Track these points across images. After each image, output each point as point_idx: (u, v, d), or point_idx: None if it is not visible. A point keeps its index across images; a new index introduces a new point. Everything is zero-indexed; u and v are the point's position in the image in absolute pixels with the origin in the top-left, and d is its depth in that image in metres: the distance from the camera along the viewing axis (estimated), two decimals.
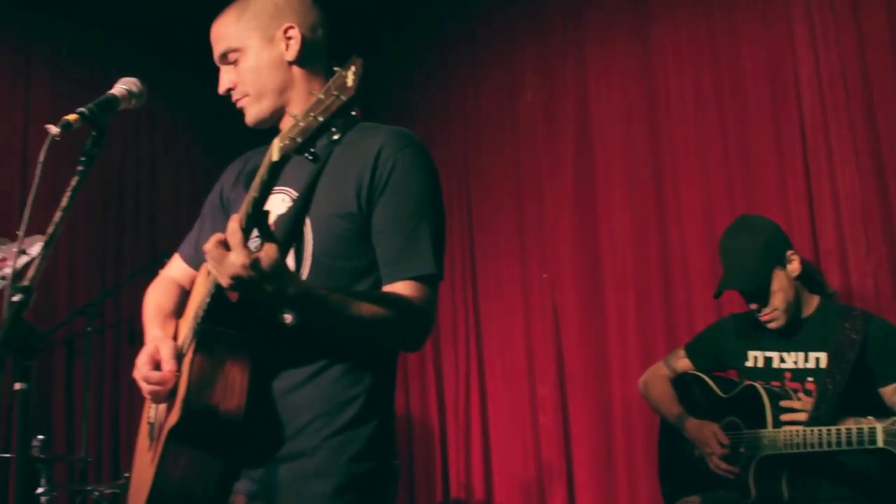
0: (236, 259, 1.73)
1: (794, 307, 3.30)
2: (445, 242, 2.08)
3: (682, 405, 3.53)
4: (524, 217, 5.35)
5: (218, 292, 1.90)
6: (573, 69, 5.14)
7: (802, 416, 3.10)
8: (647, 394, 3.71)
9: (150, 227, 6.25)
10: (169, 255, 2.49)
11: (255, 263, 1.73)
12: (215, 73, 2.22)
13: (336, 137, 1.68)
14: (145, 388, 2.03)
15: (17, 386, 1.62)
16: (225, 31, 2.16)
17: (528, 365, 5.21)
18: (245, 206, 1.78)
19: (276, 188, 1.90)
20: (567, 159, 5.10)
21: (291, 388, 2.00)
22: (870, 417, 2.98)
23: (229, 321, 1.96)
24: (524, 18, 5.52)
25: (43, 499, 4.18)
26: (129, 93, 2.08)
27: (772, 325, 3.31)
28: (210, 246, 1.76)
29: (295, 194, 2.06)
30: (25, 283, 1.67)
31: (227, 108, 2.23)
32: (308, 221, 2.02)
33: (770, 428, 3.14)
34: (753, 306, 3.34)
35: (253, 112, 2.15)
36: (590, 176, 4.98)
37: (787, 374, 3.31)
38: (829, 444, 2.99)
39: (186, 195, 6.36)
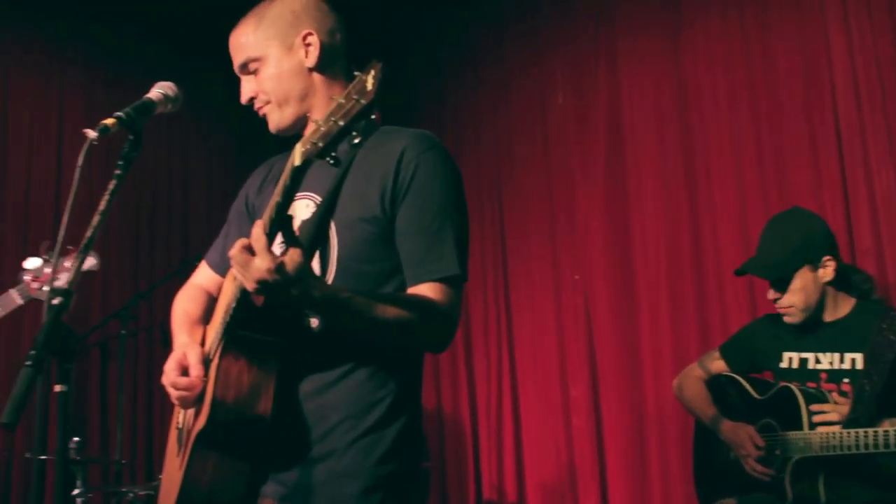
0: (261, 263, 1.73)
1: (813, 309, 3.29)
2: (469, 244, 2.09)
3: (717, 407, 3.50)
4: (555, 218, 5.33)
5: (244, 297, 1.92)
6: (604, 70, 5.12)
7: (834, 417, 3.07)
8: (682, 395, 3.69)
9: (182, 230, 6.30)
10: (201, 259, 2.50)
11: (280, 267, 1.72)
12: None
13: (357, 141, 1.69)
14: (173, 393, 2.05)
15: (57, 388, 1.64)
16: (244, 42, 2.16)
17: (560, 366, 5.20)
18: (269, 211, 1.78)
19: (299, 194, 1.92)
20: (598, 160, 5.08)
21: (319, 391, 2.01)
22: None
23: (255, 326, 1.97)
24: (554, 20, 5.50)
25: (79, 500, 4.23)
26: (166, 97, 2.09)
27: (787, 319, 3.32)
28: (235, 251, 1.76)
29: (318, 199, 2.06)
30: (64, 286, 1.69)
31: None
32: (333, 226, 2.03)
33: (806, 430, 3.11)
34: (772, 294, 3.31)
35: (275, 119, 2.16)
36: (621, 177, 4.95)
37: (823, 376, 3.28)
38: (867, 446, 2.95)
39: (218, 198, 6.39)
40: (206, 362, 2.04)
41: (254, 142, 5.84)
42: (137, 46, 6.21)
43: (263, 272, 1.73)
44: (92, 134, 1.83)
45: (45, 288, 3.20)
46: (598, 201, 5.06)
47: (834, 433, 3.03)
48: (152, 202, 6.26)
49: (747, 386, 3.46)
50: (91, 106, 6.04)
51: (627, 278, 4.87)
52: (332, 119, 1.64)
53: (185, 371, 2.04)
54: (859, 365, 3.18)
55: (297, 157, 1.70)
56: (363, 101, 1.62)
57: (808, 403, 3.13)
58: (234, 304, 1.94)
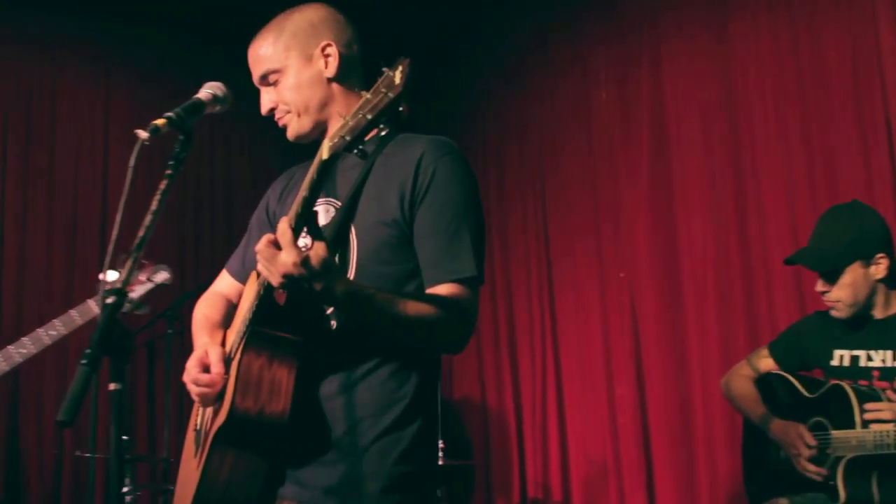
0: (287, 258, 1.76)
1: (861, 306, 3.24)
2: (485, 246, 2.12)
3: (766, 405, 3.46)
4: (600, 215, 5.31)
5: (267, 295, 1.95)
6: (648, 66, 5.08)
7: (888, 415, 3.02)
8: (730, 394, 3.65)
9: (226, 230, 6.35)
10: None
11: (305, 261, 1.76)
12: None
13: (384, 133, 1.75)
14: (194, 390, 2.09)
15: (112, 386, 1.65)
16: (263, 53, 2.21)
17: (605, 365, 5.17)
18: (295, 206, 1.82)
19: (320, 200, 1.94)
20: (643, 157, 5.05)
21: (339, 392, 2.04)
22: None
23: (277, 324, 2.00)
24: (597, 16, 5.47)
25: (127, 498, 4.29)
26: (215, 97, 2.11)
27: (833, 314, 3.28)
28: (262, 245, 1.80)
29: (338, 204, 2.10)
30: (118, 285, 1.70)
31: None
32: (353, 229, 2.06)
33: (859, 428, 3.06)
34: (820, 286, 3.27)
35: (294, 127, 2.21)
36: (666, 173, 4.91)
37: (875, 373, 3.23)
38: None
39: (262, 199, 6.43)
40: (226, 361, 2.08)
41: (295, 145, 5.91)
42: (182, 50, 6.27)
43: (289, 266, 1.76)
44: (143, 134, 1.85)
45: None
46: (643, 198, 5.02)
47: (888, 431, 2.98)
48: (197, 201, 6.32)
49: (797, 384, 3.41)
50: (136, 110, 6.12)
51: (673, 275, 4.83)
52: (360, 113, 1.69)
53: (206, 369, 2.08)
54: None
55: (324, 150, 1.75)
56: (391, 95, 1.66)
57: (860, 401, 3.08)
58: (256, 302, 1.97)
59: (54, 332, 3.22)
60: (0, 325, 5.46)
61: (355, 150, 1.73)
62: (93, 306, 3.44)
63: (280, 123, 2.23)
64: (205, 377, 2.06)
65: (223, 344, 2.24)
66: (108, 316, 1.65)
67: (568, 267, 5.52)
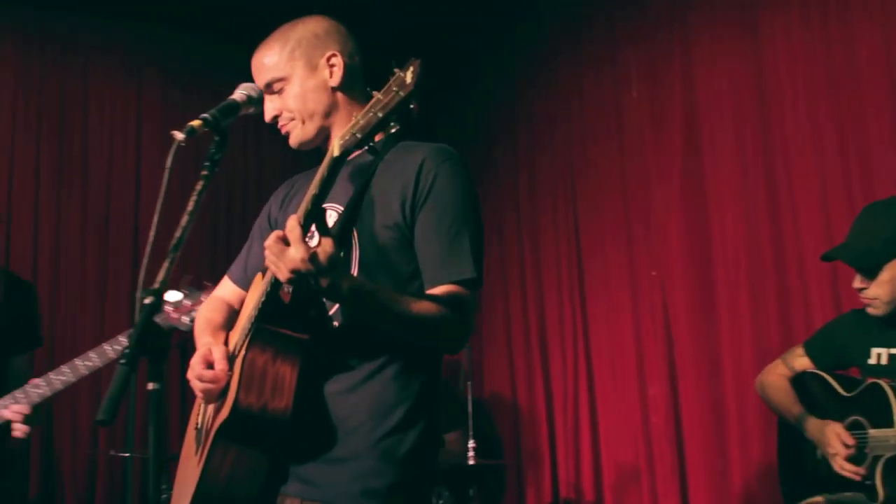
0: (296, 253, 1.80)
1: None
2: (484, 249, 2.18)
3: (802, 405, 3.42)
4: (631, 214, 5.28)
5: (273, 292, 2.00)
6: (679, 63, 5.04)
7: None
8: (765, 393, 3.62)
9: None
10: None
11: (313, 257, 1.81)
12: None
13: (394, 131, 1.79)
14: (198, 386, 2.13)
15: (150, 386, 1.66)
16: (268, 62, 2.26)
17: (637, 364, 5.14)
18: (305, 203, 1.86)
19: (323, 204, 1.96)
20: (674, 155, 5.01)
21: (345, 391, 2.09)
22: None
23: (281, 322, 2.04)
24: (627, 14, 5.44)
25: (163, 496, 4.31)
26: (249, 98, 2.14)
27: (870, 311, 3.23)
28: (271, 241, 1.84)
29: (340, 208, 2.15)
30: (155, 286, 1.71)
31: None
32: (355, 232, 2.12)
33: None
34: (858, 283, 3.23)
35: (298, 134, 2.27)
36: (698, 172, 4.87)
37: None
38: None
39: None
40: (230, 359, 2.12)
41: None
42: (214, 52, 6.30)
43: (297, 261, 1.80)
44: (179, 135, 1.87)
45: (185, 318, 3.30)
46: (675, 197, 4.99)
47: None
48: (228, 201, 6.35)
49: (833, 383, 3.38)
50: (167, 111, 6.16)
51: (706, 274, 4.79)
52: (372, 111, 1.75)
53: (210, 366, 2.13)
54: None
55: (335, 147, 1.81)
56: (402, 94, 1.72)
57: None
58: (263, 299, 2.01)
59: (90, 363, 3.27)
60: None
61: (366, 147, 1.79)
62: (123, 341, 3.47)
63: (283, 131, 2.29)
64: (209, 373, 2.10)
65: (226, 343, 2.29)
66: (146, 316, 1.67)
67: (599, 266, 5.50)
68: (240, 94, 2.14)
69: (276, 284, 1.97)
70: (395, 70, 1.75)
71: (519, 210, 6.15)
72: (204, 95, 5.69)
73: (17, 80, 5.83)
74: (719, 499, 4.66)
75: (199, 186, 1.88)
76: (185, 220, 1.82)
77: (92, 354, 3.29)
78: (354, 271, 2.10)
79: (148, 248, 1.70)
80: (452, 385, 5.87)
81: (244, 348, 2.03)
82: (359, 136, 1.77)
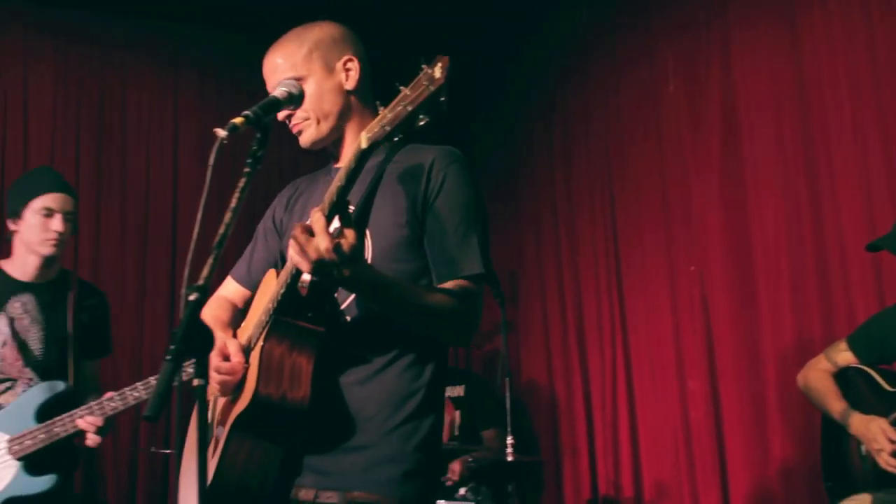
0: (321, 243, 1.84)
1: None
2: (490, 246, 2.26)
3: (846, 400, 3.38)
4: (669, 209, 5.24)
5: (293, 284, 2.05)
6: (718, 57, 4.99)
7: None
8: (807, 389, 3.58)
9: None
10: None
11: (337, 247, 1.84)
12: None
13: (422, 123, 1.81)
14: (215, 378, 2.16)
15: (196, 382, 1.68)
16: (285, 62, 2.29)
17: (676, 359, 5.10)
18: (329, 195, 1.91)
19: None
20: (713, 149, 4.96)
21: (358, 382, 2.16)
22: None
23: (299, 314, 2.10)
24: (664, 8, 5.40)
25: None
26: (290, 95, 2.16)
27: None
28: (296, 231, 1.87)
29: (352, 208, 2.18)
30: (200, 282, 1.72)
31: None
32: (368, 231, 2.19)
33: None
34: None
35: (311, 134, 2.30)
36: (738, 166, 4.82)
37: None
38: None
39: None
40: (245, 351, 2.17)
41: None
42: (249, 51, 6.32)
43: (322, 251, 1.84)
44: (221, 133, 1.88)
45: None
46: (714, 191, 4.93)
47: None
48: (265, 199, 6.36)
49: (878, 378, 3.34)
50: (204, 111, 6.21)
51: (746, 268, 4.74)
52: (401, 105, 1.79)
53: (226, 358, 2.17)
54: None
55: (363, 140, 1.86)
56: (432, 88, 1.75)
57: None
58: (283, 290, 2.05)
59: (137, 394, 3.40)
60: None
61: (396, 139, 1.83)
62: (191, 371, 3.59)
63: (295, 129, 2.31)
64: (226, 365, 2.14)
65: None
66: (191, 313, 1.67)
67: (637, 261, 5.47)
68: (280, 91, 2.16)
69: (296, 276, 2.03)
70: (423, 66, 1.78)
71: (556, 206, 6.13)
72: (240, 93, 5.74)
73: (56, 82, 5.91)
74: (761, 495, 4.61)
75: (241, 183, 1.89)
76: (228, 216, 1.83)
77: None
78: None
79: (192, 245, 1.71)
80: (490, 382, 5.87)
81: (261, 339, 2.08)
82: (388, 128, 1.81)
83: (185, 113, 6.24)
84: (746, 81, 4.82)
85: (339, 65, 2.29)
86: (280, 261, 2.45)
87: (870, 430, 3.20)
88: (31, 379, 3.56)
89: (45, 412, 3.46)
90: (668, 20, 5.37)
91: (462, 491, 4.85)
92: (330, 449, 2.13)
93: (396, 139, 1.83)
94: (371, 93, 2.35)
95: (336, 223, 1.92)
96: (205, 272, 1.75)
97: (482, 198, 2.27)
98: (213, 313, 2.46)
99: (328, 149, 2.38)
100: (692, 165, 5.11)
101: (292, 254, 1.89)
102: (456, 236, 2.17)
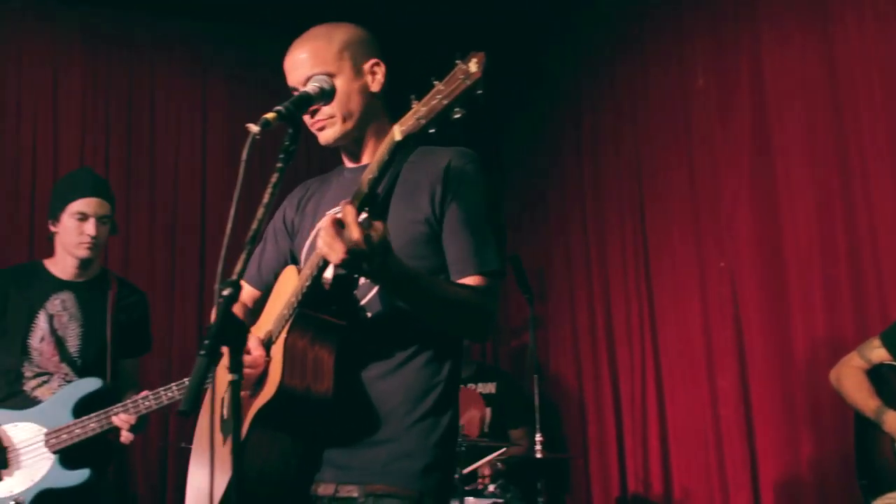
0: (352, 234, 1.85)
1: None
2: (506, 244, 2.33)
3: (880, 398, 3.35)
4: (699, 206, 5.20)
5: (318, 278, 2.06)
6: (747, 52, 4.95)
7: None
8: (840, 386, 3.55)
9: None
10: None
11: (367, 238, 1.85)
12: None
13: (458, 116, 1.80)
14: None
15: (230, 377, 1.68)
16: (313, 58, 2.28)
17: (706, 356, 5.07)
18: (361, 187, 1.92)
19: (356, 200, 2.01)
20: (743, 145, 4.92)
21: (378, 377, 2.19)
22: None
23: (322, 308, 2.13)
24: (694, 5, 5.36)
25: None
26: (322, 90, 2.16)
27: None
28: (326, 223, 1.88)
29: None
30: (233, 277, 1.72)
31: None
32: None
33: None
34: None
35: (334, 131, 2.30)
36: (768, 162, 4.78)
37: None
38: None
39: None
40: (266, 345, 2.19)
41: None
42: (276, 47, 6.34)
43: (353, 243, 1.85)
44: (254, 128, 1.89)
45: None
46: (744, 187, 4.90)
47: None
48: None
49: None
50: (232, 109, 6.23)
51: (777, 264, 4.70)
52: (436, 98, 1.79)
53: (246, 353, 2.16)
54: None
55: (396, 133, 1.85)
56: (468, 82, 1.75)
57: None
58: (308, 283, 2.07)
59: (171, 394, 3.50)
60: None
61: (430, 131, 1.82)
62: None
63: (317, 125, 2.31)
64: (247, 358, 2.14)
65: None
66: (225, 308, 1.68)
67: (666, 257, 5.43)
68: (312, 86, 2.17)
69: (321, 269, 2.05)
70: (457, 62, 1.78)
71: (584, 202, 6.11)
72: (267, 90, 5.75)
73: (85, 81, 5.95)
74: (792, 493, 4.58)
75: (273, 179, 1.89)
76: (260, 212, 1.84)
77: None
78: None
79: (225, 241, 1.71)
80: (518, 380, 5.86)
81: (285, 332, 2.10)
82: (423, 121, 1.81)
83: (214, 112, 6.26)
84: (777, 77, 4.78)
85: (367, 67, 2.31)
86: (291, 261, 2.47)
87: None
88: (66, 374, 3.68)
89: (82, 408, 3.56)
90: (697, 15, 5.33)
91: (491, 488, 4.85)
92: (350, 443, 2.16)
93: (431, 132, 1.82)
94: (387, 101, 2.36)
95: (364, 215, 1.93)
96: (238, 267, 1.75)
97: (498, 196, 2.31)
98: None
99: (340, 148, 2.40)
100: (722, 161, 5.07)
101: (321, 245, 1.90)
102: (473, 233, 2.20)
